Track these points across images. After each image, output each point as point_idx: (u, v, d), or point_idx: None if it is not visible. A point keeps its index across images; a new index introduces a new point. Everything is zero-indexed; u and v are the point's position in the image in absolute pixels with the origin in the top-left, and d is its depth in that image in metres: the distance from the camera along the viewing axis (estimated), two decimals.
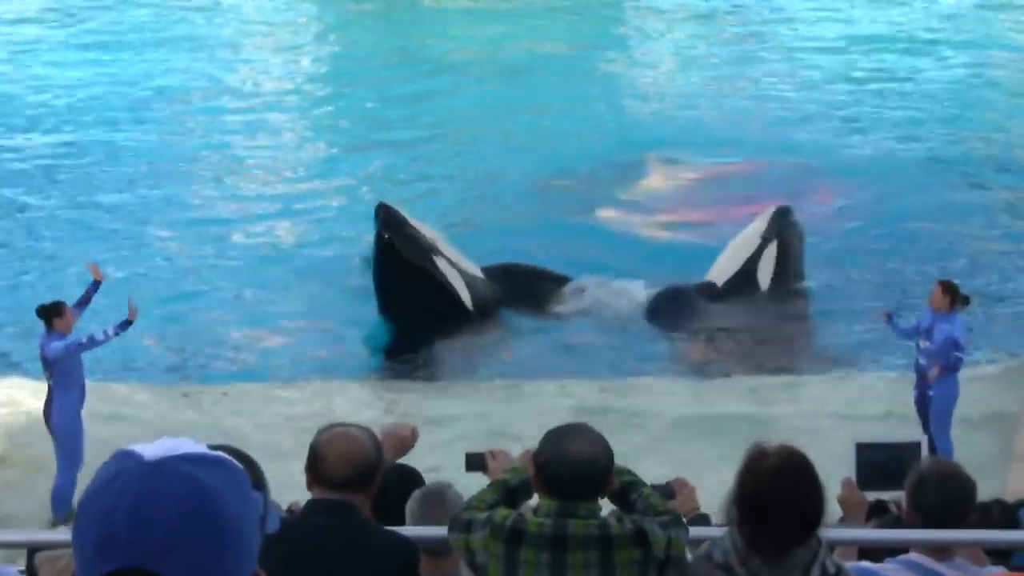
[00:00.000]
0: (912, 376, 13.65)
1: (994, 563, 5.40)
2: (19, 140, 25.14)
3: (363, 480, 4.82)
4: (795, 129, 25.25)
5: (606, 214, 21.19)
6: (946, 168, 23.17)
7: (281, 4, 35.61)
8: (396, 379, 16.18)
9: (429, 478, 6.34)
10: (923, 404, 13.40)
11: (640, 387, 15.41)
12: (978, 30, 32.88)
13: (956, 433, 13.13)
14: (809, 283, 18.70)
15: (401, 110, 26.81)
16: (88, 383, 12.84)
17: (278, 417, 14.58)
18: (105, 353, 14.04)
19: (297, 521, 4.83)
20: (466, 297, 17.08)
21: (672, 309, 17.53)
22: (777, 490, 4.00)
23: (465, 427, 13.99)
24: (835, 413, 14.38)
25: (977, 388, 14.17)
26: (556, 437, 4.64)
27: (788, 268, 18.25)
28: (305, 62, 31.37)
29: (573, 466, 4.52)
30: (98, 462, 2.01)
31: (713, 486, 5.41)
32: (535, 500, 4.76)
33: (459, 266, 17.21)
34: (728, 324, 17.47)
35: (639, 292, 17.93)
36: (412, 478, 6.30)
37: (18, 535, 6.83)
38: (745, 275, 17.93)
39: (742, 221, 19.14)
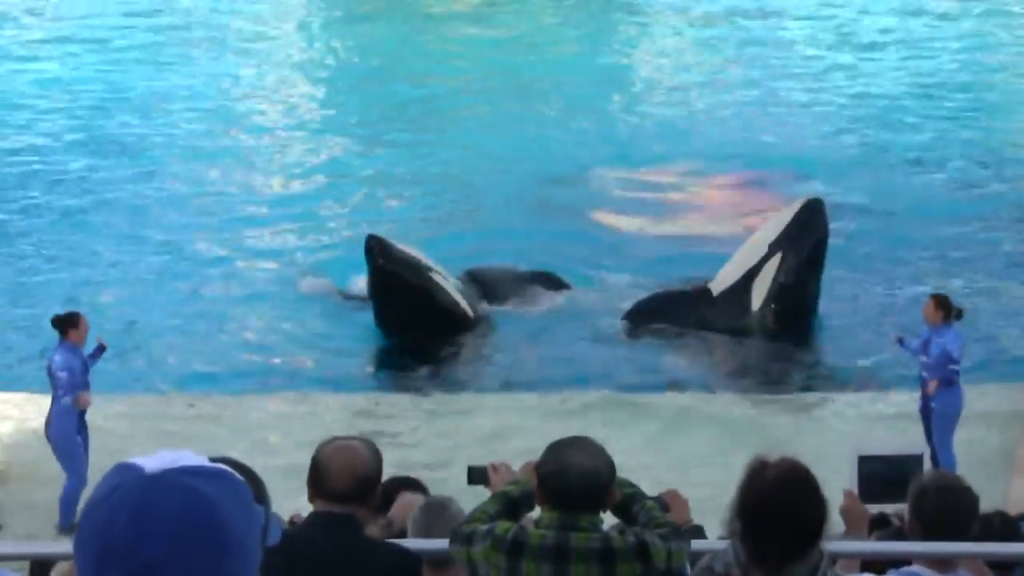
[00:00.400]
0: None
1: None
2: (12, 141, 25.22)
3: (365, 492, 4.82)
4: (795, 139, 25.25)
5: (605, 220, 21.20)
6: (946, 178, 23.15)
7: (280, 10, 35.74)
8: (396, 392, 16.18)
9: (431, 489, 6.34)
10: (926, 415, 13.41)
11: (637, 401, 15.35)
12: (978, 33, 32.99)
13: (957, 442, 13.12)
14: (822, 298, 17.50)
15: (401, 113, 26.90)
16: (91, 395, 12.81)
17: (276, 430, 14.57)
18: (105, 364, 14.00)
19: (299, 533, 4.83)
20: (465, 306, 17.54)
21: (655, 313, 17.36)
22: (778, 501, 4.00)
23: (466, 439, 14.00)
24: (834, 428, 14.38)
25: (979, 400, 14.17)
26: (558, 449, 4.64)
27: (790, 286, 16.86)
28: (304, 66, 31.45)
29: (575, 478, 4.52)
30: (101, 474, 2.01)
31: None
32: (537, 512, 4.76)
33: (449, 280, 17.73)
34: (713, 337, 17.19)
35: (615, 288, 18.09)
36: (413, 489, 6.29)
37: (17, 547, 6.83)
38: (740, 288, 17.08)
39: (742, 229, 19.09)
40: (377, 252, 16.92)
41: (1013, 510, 8.54)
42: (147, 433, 14.13)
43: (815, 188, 21.72)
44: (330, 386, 16.11)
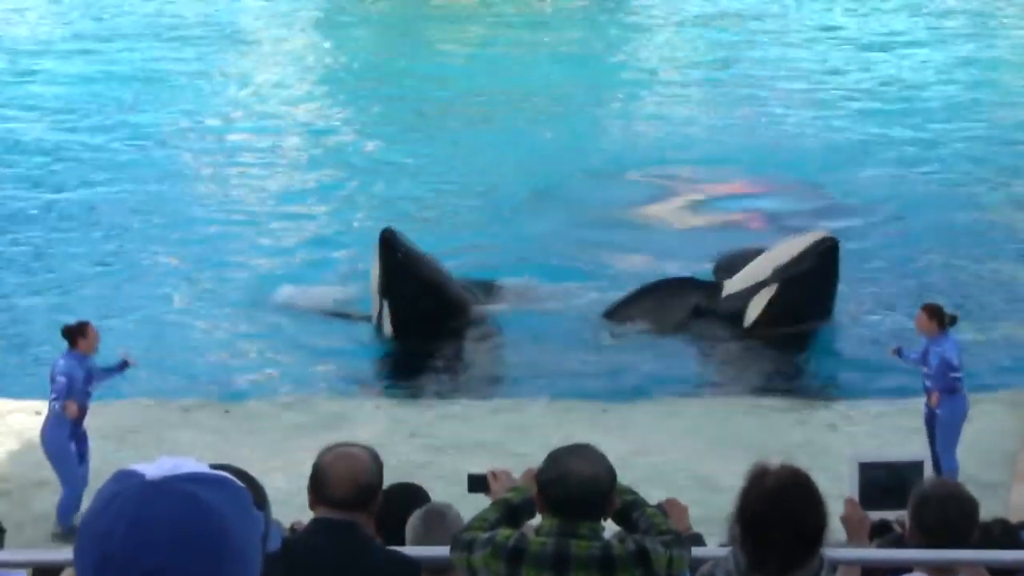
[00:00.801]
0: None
1: None
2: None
3: (366, 499, 4.81)
4: (796, 148, 25.25)
5: (604, 224, 21.21)
6: (956, 186, 23.13)
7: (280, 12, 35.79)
8: (400, 397, 16.16)
9: (432, 496, 6.33)
10: (930, 423, 13.36)
11: (639, 409, 15.35)
12: (978, 33, 33.04)
13: (960, 450, 13.11)
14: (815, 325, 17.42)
15: (400, 117, 26.93)
16: (90, 402, 12.79)
17: (280, 436, 14.55)
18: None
19: (299, 540, 4.82)
20: (474, 303, 17.87)
21: (652, 300, 17.52)
22: (778, 508, 3.99)
23: (466, 445, 13.98)
24: (836, 435, 14.37)
25: (982, 407, 14.16)
26: (559, 456, 4.64)
27: (780, 315, 16.84)
28: (302, 69, 31.47)
29: (575, 485, 4.52)
30: (101, 481, 2.00)
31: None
32: (537, 519, 4.76)
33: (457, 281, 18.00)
34: (712, 337, 17.31)
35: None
36: (415, 496, 6.29)
37: (15, 555, 6.82)
38: (738, 301, 17.28)
39: (740, 235, 19.07)
40: (394, 245, 16.93)
41: (1014, 517, 8.54)
42: (146, 440, 14.12)
43: (814, 187, 21.75)
44: (335, 392, 16.09)
